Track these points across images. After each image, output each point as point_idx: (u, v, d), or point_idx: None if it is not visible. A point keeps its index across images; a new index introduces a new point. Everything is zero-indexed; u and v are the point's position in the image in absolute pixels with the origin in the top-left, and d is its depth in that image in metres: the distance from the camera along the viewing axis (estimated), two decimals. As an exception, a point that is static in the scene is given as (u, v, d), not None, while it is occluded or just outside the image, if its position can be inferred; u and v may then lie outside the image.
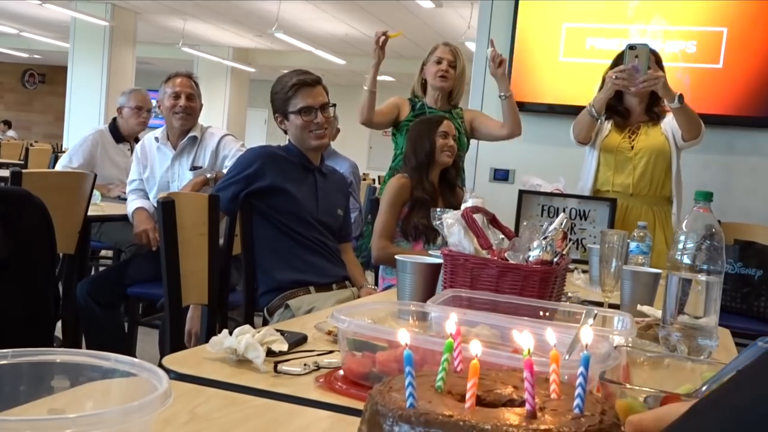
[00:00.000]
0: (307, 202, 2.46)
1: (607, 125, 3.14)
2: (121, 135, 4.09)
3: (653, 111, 3.10)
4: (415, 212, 2.80)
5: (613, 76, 2.98)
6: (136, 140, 4.01)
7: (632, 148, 3.08)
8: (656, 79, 2.90)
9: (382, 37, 3.26)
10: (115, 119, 4.14)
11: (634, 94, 3.05)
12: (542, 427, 0.56)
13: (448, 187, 2.96)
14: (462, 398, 0.62)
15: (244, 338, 1.11)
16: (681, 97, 2.91)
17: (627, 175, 3.08)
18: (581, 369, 0.60)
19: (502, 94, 3.38)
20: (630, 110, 3.11)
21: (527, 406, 0.58)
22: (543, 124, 4.31)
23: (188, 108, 3.30)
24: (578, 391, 0.59)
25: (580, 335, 0.70)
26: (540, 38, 4.31)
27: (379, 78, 3.34)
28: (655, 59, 3.01)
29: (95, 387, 0.65)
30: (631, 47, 2.95)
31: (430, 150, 2.87)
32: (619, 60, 3.05)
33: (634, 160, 3.07)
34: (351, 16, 10.70)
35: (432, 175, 2.91)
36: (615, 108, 3.11)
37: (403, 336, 0.65)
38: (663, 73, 2.97)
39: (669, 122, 3.07)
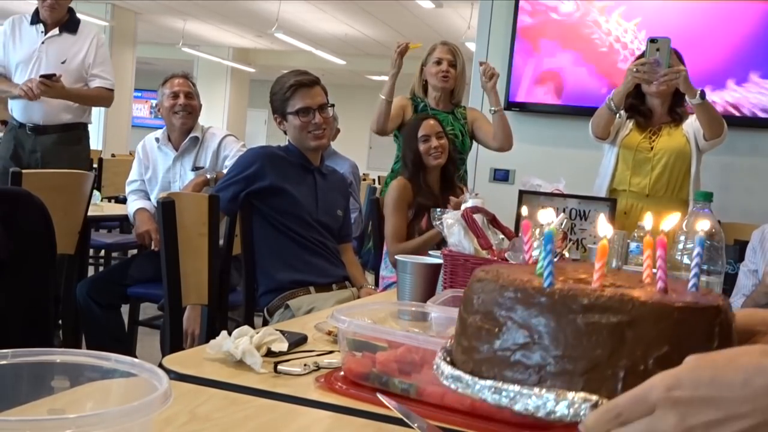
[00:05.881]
0: (306, 203, 2.46)
1: (629, 124, 3.06)
2: (38, 18, 3.82)
3: (675, 112, 3.02)
4: (419, 219, 2.80)
5: (634, 69, 2.89)
6: None
7: (652, 148, 3.01)
8: (677, 74, 2.82)
9: (403, 46, 3.19)
10: None
11: (656, 94, 2.97)
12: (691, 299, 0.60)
13: (449, 186, 2.97)
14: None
15: (241, 343, 1.10)
16: (703, 93, 2.84)
17: (644, 175, 3.01)
18: (698, 249, 0.65)
19: (492, 108, 3.33)
20: (652, 110, 3.04)
21: (659, 283, 0.63)
22: (543, 124, 4.31)
23: (188, 106, 3.29)
24: (694, 271, 0.64)
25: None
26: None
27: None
28: (677, 56, 2.95)
29: (95, 387, 0.65)
30: (652, 40, 2.84)
31: (417, 157, 2.88)
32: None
33: (652, 160, 3.00)
34: (351, 16, 10.69)
35: (429, 179, 2.91)
36: (637, 108, 3.04)
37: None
38: (684, 68, 2.89)
39: (691, 123, 2.99)
